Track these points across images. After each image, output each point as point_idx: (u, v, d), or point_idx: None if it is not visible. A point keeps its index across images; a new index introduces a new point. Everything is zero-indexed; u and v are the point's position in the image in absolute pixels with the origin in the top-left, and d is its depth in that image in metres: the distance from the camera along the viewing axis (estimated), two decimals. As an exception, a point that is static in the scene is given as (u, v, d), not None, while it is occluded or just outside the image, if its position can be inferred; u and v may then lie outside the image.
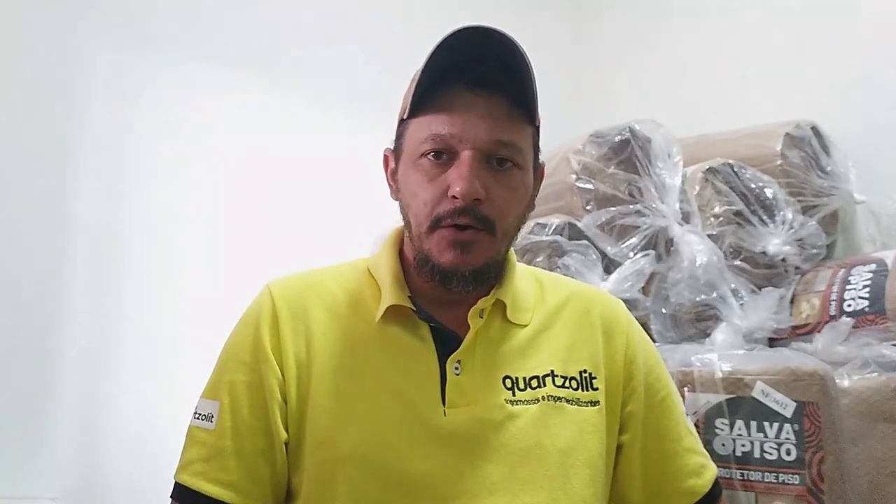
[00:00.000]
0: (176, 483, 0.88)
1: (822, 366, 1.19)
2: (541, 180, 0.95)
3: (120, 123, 1.75)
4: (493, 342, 0.89)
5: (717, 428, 1.17)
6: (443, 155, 0.85)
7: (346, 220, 1.91)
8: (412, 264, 0.90)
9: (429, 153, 0.85)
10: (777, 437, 1.14)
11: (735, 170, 1.63)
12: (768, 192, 1.61)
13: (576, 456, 0.86)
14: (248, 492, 0.85)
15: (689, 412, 1.17)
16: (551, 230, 1.43)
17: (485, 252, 0.85)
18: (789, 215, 1.61)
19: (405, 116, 0.89)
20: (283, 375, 0.87)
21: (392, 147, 0.93)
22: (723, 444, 1.16)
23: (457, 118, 0.84)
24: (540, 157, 0.93)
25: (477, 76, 0.85)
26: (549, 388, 0.88)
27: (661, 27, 2.42)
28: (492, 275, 0.89)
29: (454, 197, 0.83)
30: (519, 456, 0.84)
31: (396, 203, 0.91)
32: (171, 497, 0.88)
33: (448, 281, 0.85)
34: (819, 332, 1.43)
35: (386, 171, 0.94)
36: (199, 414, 0.89)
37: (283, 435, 0.86)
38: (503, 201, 0.85)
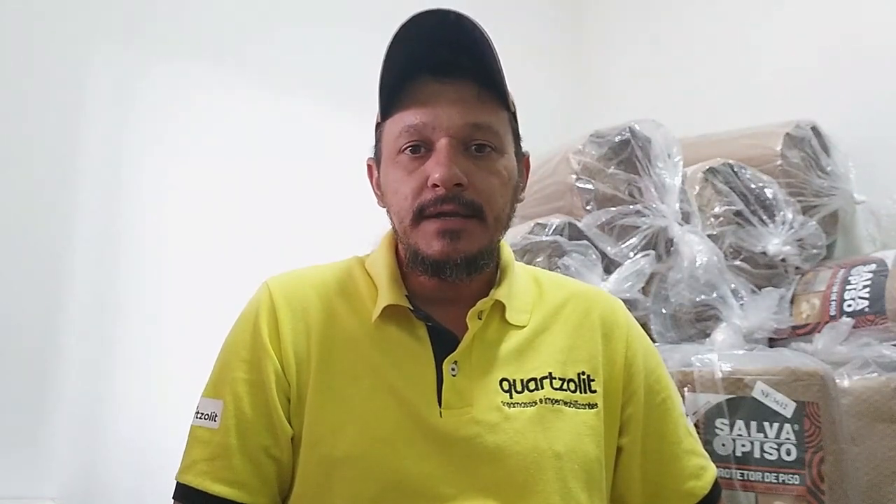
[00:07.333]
0: (178, 484, 0.86)
1: (822, 366, 1.19)
2: (527, 170, 0.94)
3: (118, 120, 1.75)
4: (491, 343, 0.88)
5: (717, 428, 1.17)
6: (420, 148, 0.84)
7: (346, 218, 1.91)
8: (406, 263, 0.90)
9: (406, 148, 0.85)
10: (777, 437, 1.14)
11: (735, 170, 1.63)
12: (768, 192, 1.61)
13: (573, 459, 0.85)
14: (256, 489, 0.84)
15: (689, 412, 1.17)
16: (551, 230, 1.43)
17: (477, 240, 0.84)
18: (789, 215, 1.61)
19: (379, 120, 0.89)
20: (283, 370, 0.86)
21: (373, 155, 0.92)
22: (723, 445, 1.16)
23: (427, 108, 0.84)
24: (522, 145, 0.92)
25: (440, 63, 0.84)
26: (547, 391, 0.87)
27: (661, 27, 2.43)
28: (485, 263, 0.87)
29: (435, 185, 0.82)
30: (515, 459, 0.83)
31: (384, 211, 0.91)
32: (173, 498, 0.86)
33: (441, 271, 0.84)
34: (819, 332, 1.43)
35: (371, 180, 0.94)
36: (202, 413, 0.87)
37: (289, 429, 0.85)
38: (487, 185, 0.84)
